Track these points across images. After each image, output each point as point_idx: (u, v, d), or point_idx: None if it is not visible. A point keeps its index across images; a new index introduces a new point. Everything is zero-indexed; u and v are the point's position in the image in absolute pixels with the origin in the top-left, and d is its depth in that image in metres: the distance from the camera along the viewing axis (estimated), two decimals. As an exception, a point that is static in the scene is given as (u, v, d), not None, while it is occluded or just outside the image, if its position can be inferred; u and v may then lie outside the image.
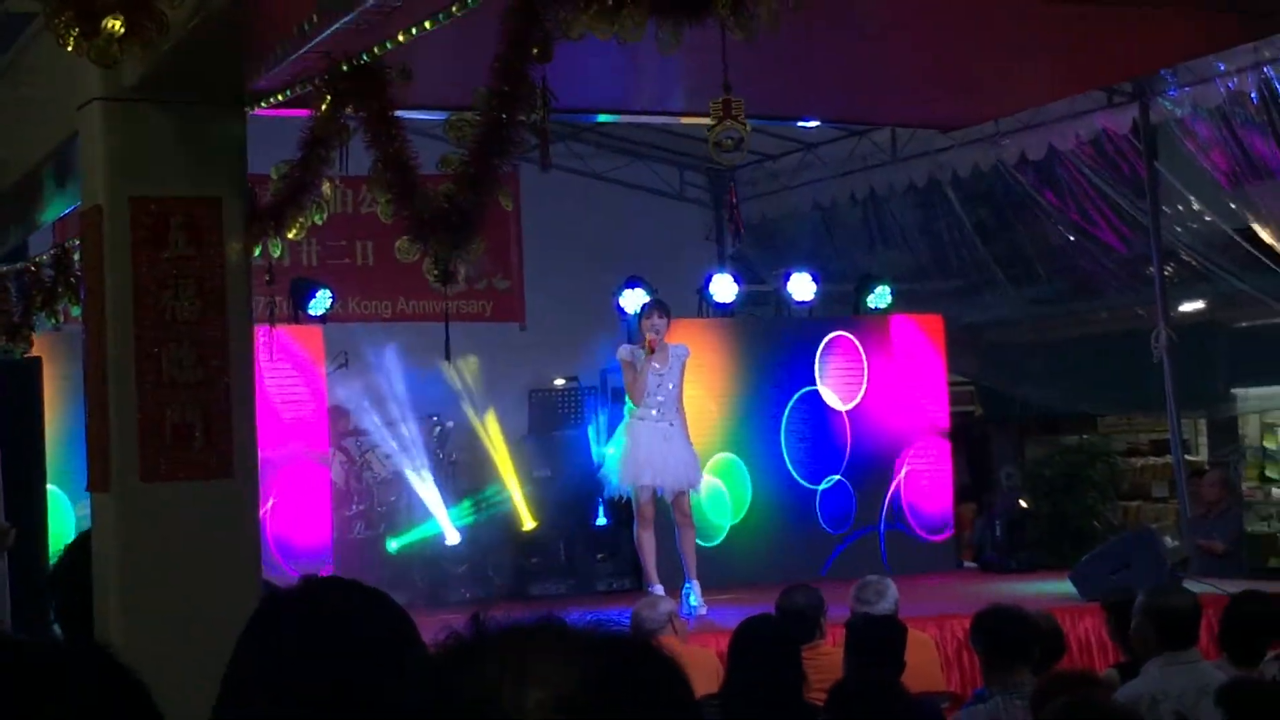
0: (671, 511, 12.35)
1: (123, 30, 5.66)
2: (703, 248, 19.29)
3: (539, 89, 5.21)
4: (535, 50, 5.10)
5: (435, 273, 6.06)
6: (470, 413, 15.66)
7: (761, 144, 17.49)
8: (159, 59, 6.02)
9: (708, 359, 14.43)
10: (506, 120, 5.29)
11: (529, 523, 15.00)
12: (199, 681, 2.59)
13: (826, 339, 15.43)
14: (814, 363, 15.29)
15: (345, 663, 2.27)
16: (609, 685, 1.60)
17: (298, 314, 14.67)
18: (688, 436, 12.48)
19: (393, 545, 14.66)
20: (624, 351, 12.40)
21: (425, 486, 14.83)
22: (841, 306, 16.44)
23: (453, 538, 14.68)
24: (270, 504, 13.16)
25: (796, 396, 15.16)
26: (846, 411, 15.32)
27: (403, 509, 15.07)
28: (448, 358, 7.37)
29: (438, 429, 15.47)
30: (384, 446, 15.00)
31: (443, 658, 1.67)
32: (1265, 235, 14.40)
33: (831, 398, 15.27)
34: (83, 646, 2.34)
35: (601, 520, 14.96)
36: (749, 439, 14.97)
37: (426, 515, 14.86)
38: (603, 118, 14.27)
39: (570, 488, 15.19)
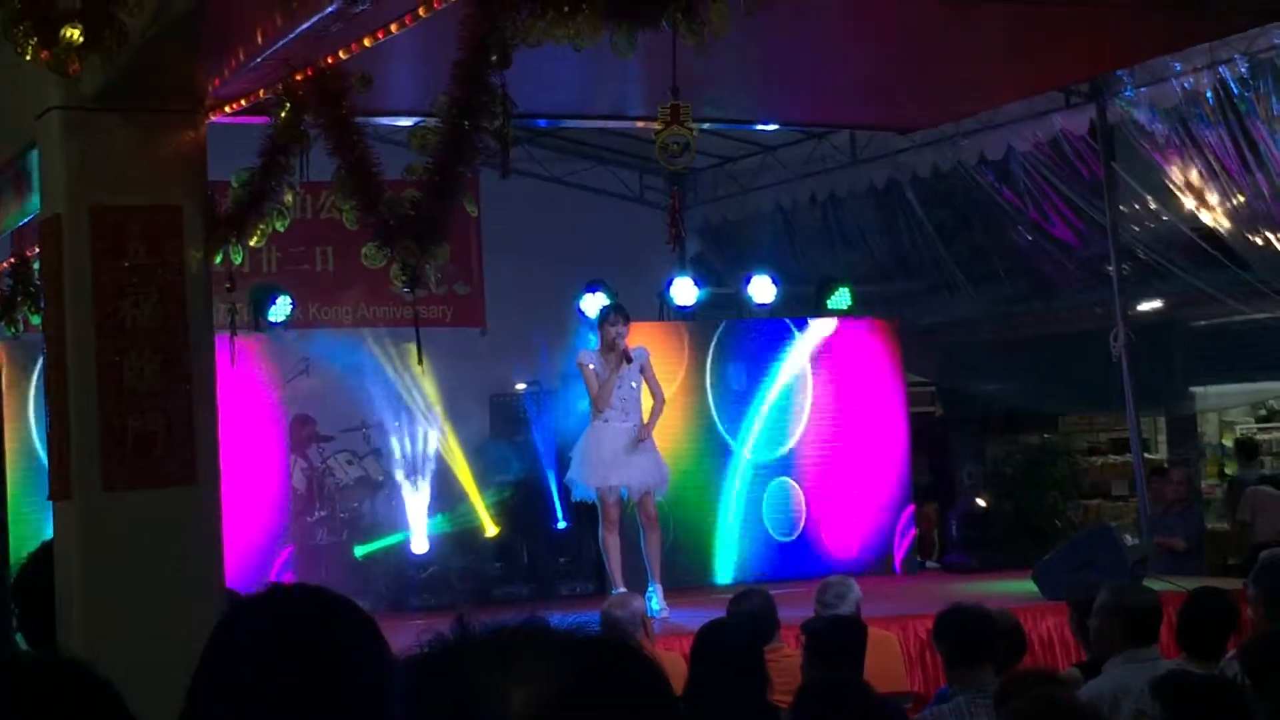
0: (636, 514, 12.34)
1: (81, 39, 5.65)
2: (663, 250, 19.27)
3: (499, 95, 5.22)
4: (494, 57, 5.12)
5: (403, 278, 6.06)
6: (425, 420, 15.65)
7: (721, 147, 17.54)
8: (118, 67, 6.02)
9: (669, 361, 14.44)
10: (468, 127, 5.30)
11: (491, 529, 14.98)
12: (162, 689, 2.59)
13: (786, 342, 15.46)
14: (773, 364, 15.31)
15: (312, 670, 2.28)
16: (594, 686, 1.61)
17: (258, 321, 14.63)
18: (652, 436, 12.48)
19: (359, 552, 14.66)
20: (584, 357, 12.38)
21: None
22: (802, 308, 16.47)
23: (420, 547, 14.67)
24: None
25: (754, 397, 15.18)
26: (803, 411, 15.33)
27: (366, 514, 15.06)
28: (420, 363, 7.38)
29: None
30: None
31: (428, 658, 1.67)
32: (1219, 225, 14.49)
33: (790, 397, 15.28)
34: (64, 661, 2.36)
35: (561, 524, 14.94)
36: (707, 439, 14.98)
37: (391, 521, 14.89)
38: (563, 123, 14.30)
39: (532, 492, 15.18)
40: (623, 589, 11.94)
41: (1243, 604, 8.32)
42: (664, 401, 12.67)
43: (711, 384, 15.03)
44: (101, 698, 2.30)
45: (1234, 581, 10.79)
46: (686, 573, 14.03)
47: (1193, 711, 5.08)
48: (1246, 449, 17.63)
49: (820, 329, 15.61)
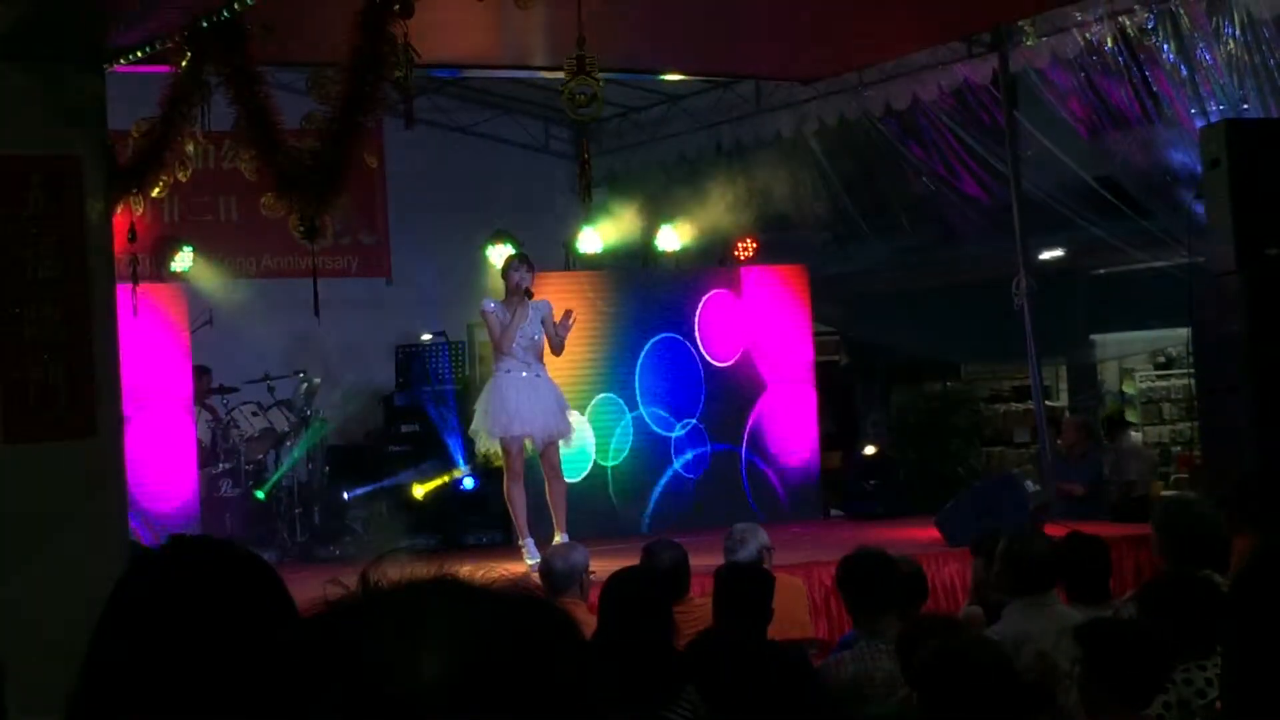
0: (540, 465, 12.33)
1: (-24, -13, 5.59)
2: (569, 200, 19.28)
3: (401, 45, 5.20)
4: (397, 6, 5.10)
5: (302, 229, 6.04)
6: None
7: (625, 96, 17.51)
8: (16, 15, 5.95)
9: (575, 311, 14.42)
10: (370, 77, 5.28)
11: (420, 491, 14.95)
12: (65, 642, 2.58)
13: (693, 290, 15.48)
14: (680, 314, 15.33)
15: (215, 625, 2.26)
16: (511, 654, 1.49)
17: (160, 272, 14.52)
18: (555, 386, 12.48)
19: (259, 494, 14.67)
20: (487, 305, 12.34)
21: None
22: (707, 258, 16.50)
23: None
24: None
25: (656, 345, 15.17)
26: (712, 362, 15.37)
27: (271, 465, 15.02)
28: (316, 314, 7.31)
29: (304, 385, 15.41)
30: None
31: (330, 620, 1.53)
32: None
33: (697, 348, 15.31)
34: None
35: (469, 481, 14.94)
36: (614, 389, 14.99)
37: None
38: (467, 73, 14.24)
39: (439, 442, 15.18)
40: (530, 540, 11.96)
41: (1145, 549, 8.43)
42: (559, 353, 12.55)
43: (617, 334, 15.03)
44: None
45: (1136, 526, 10.95)
46: (606, 523, 14.08)
47: (1114, 657, 5.16)
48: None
49: (727, 278, 15.65)
